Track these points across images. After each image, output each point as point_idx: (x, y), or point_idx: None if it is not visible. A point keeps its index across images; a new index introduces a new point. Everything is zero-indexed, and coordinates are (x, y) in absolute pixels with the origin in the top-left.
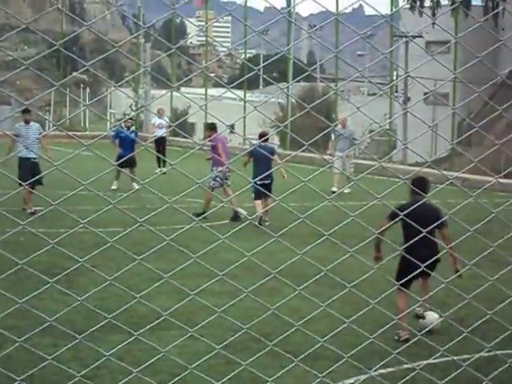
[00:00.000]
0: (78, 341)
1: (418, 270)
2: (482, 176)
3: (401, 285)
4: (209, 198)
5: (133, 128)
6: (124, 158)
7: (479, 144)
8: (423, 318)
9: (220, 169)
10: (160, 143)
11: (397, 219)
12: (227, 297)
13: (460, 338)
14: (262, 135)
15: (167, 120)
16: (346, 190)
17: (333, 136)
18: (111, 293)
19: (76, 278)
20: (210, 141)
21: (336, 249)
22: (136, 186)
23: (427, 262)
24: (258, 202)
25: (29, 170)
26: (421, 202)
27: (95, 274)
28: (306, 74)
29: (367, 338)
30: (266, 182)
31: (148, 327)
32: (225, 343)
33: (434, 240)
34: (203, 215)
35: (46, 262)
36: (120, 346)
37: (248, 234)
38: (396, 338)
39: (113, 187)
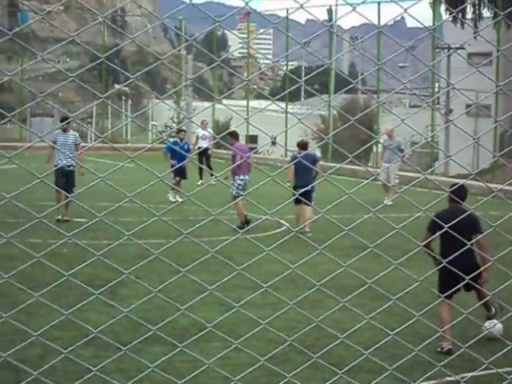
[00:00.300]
0: (122, 352)
1: (463, 282)
2: None
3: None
4: (240, 208)
5: (185, 140)
6: (176, 167)
7: None
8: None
9: (241, 177)
10: (203, 155)
11: (440, 232)
12: (269, 308)
13: (505, 350)
14: (301, 144)
15: (211, 131)
16: (389, 203)
17: (374, 148)
18: (154, 304)
19: (118, 290)
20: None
21: (378, 261)
22: (178, 199)
23: (472, 274)
24: (298, 207)
25: (63, 177)
26: (462, 210)
27: (137, 285)
28: (351, 86)
29: (409, 350)
30: (308, 189)
31: (192, 339)
32: (269, 355)
33: (471, 248)
34: (248, 227)
35: (89, 274)
36: (164, 358)
37: (290, 245)
38: (439, 349)
39: (171, 199)
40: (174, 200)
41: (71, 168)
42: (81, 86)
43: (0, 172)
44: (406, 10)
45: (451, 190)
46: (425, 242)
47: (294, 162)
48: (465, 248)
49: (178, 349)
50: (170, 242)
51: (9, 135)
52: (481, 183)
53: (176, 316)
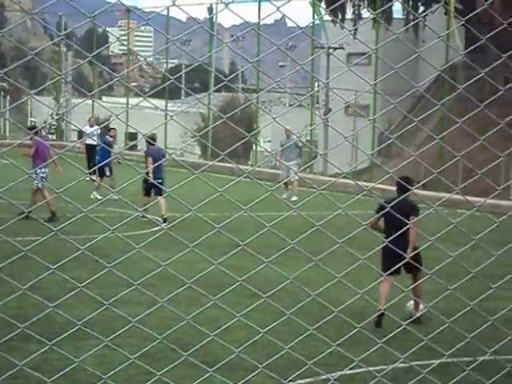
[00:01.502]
0: None
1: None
2: None
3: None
4: (35, 199)
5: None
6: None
7: (399, 155)
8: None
9: (43, 170)
10: (91, 152)
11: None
12: (146, 306)
13: (376, 347)
14: (152, 138)
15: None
16: (294, 198)
17: (254, 146)
18: (28, 302)
19: None
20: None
21: (256, 259)
22: (98, 196)
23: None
24: (148, 198)
25: None
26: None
27: (14, 283)
28: (223, 83)
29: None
30: (159, 181)
31: (63, 336)
32: (139, 353)
33: (408, 233)
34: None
35: None
36: (34, 356)
37: (167, 243)
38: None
39: (98, 197)
40: (100, 197)
41: None
42: None
43: None
44: (278, 8)
45: (398, 182)
46: (368, 222)
47: (152, 153)
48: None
49: (48, 346)
50: (41, 239)
51: None
52: (357, 183)
53: (51, 314)
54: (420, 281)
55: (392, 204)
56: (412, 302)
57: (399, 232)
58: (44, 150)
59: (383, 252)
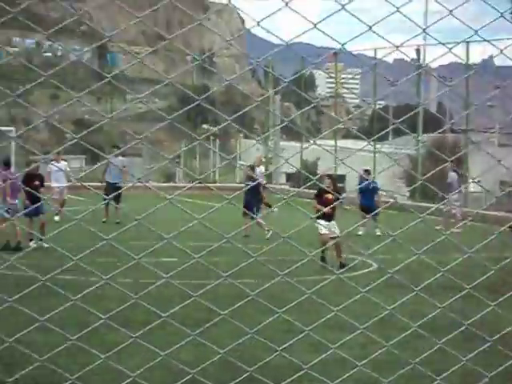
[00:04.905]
0: None
1: None
2: None
3: None
4: (3, 227)
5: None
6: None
7: None
8: None
9: (11, 201)
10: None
11: None
12: (358, 349)
13: None
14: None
15: (262, 169)
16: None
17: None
18: (242, 345)
19: (209, 329)
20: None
21: (465, 301)
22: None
23: None
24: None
25: (112, 191)
26: None
27: (228, 325)
28: (447, 127)
29: None
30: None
31: (289, 380)
32: None
33: None
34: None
35: (179, 314)
36: None
37: (379, 285)
38: None
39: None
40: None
41: (118, 185)
42: (169, 126)
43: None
44: (501, 51)
45: None
46: None
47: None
48: None
49: None
50: (259, 281)
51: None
52: None
53: (264, 356)
54: None
55: None
56: None
57: None
58: (14, 182)
59: None
